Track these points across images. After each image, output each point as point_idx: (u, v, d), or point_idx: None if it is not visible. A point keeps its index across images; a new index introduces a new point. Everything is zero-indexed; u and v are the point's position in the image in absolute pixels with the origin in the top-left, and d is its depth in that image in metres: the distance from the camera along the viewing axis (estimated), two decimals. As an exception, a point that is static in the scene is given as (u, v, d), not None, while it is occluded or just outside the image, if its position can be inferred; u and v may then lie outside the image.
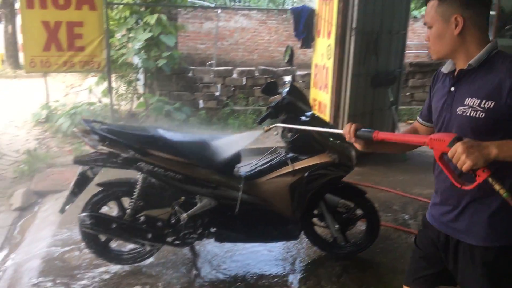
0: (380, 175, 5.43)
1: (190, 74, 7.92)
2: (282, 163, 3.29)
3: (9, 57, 13.59)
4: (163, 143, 3.10)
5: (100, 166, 3.16)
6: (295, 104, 3.20)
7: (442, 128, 1.82)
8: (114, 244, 3.48)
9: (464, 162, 1.51)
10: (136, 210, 3.17)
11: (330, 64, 5.62)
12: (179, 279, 3.30)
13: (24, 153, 6.08)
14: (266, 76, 8.33)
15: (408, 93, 9.29)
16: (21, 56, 13.99)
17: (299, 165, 3.23)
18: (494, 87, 1.64)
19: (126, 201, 3.28)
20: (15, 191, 4.92)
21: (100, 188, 3.24)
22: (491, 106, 1.64)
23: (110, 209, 3.36)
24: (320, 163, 3.19)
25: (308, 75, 7.94)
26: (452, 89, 1.78)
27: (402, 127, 6.62)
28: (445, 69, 1.85)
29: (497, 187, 1.49)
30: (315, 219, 3.57)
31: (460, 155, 1.51)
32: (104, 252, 3.32)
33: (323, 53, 5.84)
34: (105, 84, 7.55)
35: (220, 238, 3.30)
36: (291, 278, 3.33)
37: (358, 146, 1.93)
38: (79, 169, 3.20)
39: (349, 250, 3.57)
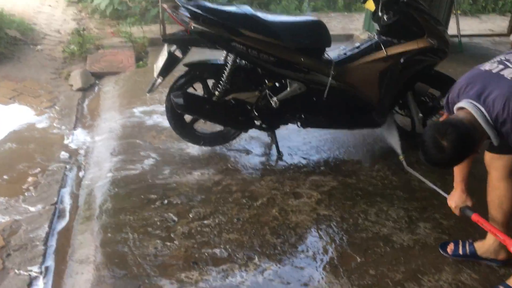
0: (438, 68, 5.29)
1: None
2: (374, 48, 3.15)
3: None
4: (257, 23, 2.94)
5: (191, 46, 3.03)
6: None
7: None
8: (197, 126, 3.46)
9: None
10: (224, 93, 3.10)
11: None
12: (263, 163, 3.34)
13: (68, 34, 5.88)
14: (310, -43, 7.77)
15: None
16: None
17: (393, 50, 3.10)
18: None
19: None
20: (71, 72, 4.82)
21: (186, 69, 3.15)
22: None
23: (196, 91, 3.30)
24: (418, 49, 3.06)
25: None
26: None
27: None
28: None
29: None
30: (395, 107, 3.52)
31: None
32: (189, 134, 3.33)
33: None
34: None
35: (306, 123, 3.28)
36: (373, 164, 3.36)
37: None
38: (165, 48, 3.08)
39: (428, 139, 3.56)
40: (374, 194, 3.01)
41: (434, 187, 2.64)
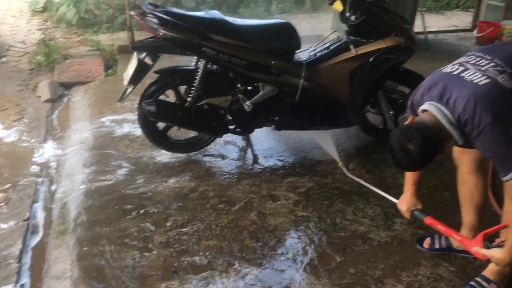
0: (407, 64, 5.39)
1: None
2: (344, 48, 3.18)
3: None
4: (226, 27, 2.93)
5: (160, 52, 3.01)
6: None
7: None
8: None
9: None
10: (196, 98, 3.08)
11: None
12: (239, 167, 3.33)
13: (34, 44, 5.75)
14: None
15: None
16: None
17: (362, 49, 3.14)
18: None
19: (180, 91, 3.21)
20: (38, 83, 4.72)
21: (157, 76, 3.11)
22: None
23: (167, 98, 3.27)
24: (386, 47, 3.10)
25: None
26: None
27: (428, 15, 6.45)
28: None
29: None
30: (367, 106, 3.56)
31: None
32: (163, 141, 3.29)
33: None
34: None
35: (280, 126, 3.28)
36: (348, 163, 3.38)
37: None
38: (134, 55, 3.04)
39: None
40: (350, 193, 3.04)
41: (382, 193, 2.66)
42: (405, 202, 2.28)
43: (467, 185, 2.30)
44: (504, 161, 1.77)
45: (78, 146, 3.59)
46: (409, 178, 2.28)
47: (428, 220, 2.20)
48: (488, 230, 2.00)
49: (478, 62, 1.92)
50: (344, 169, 3.12)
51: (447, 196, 2.95)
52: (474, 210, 2.33)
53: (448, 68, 1.98)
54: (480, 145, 1.82)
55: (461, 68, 1.92)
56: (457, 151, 2.29)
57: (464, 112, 1.79)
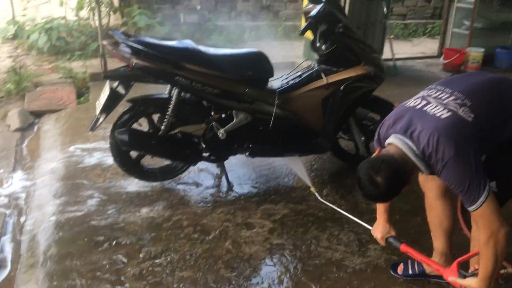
0: (376, 90, 5.51)
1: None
2: (315, 77, 3.24)
3: None
4: (199, 56, 2.96)
5: (133, 81, 3.00)
6: (334, 14, 3.10)
7: None
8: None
9: None
10: (170, 127, 3.08)
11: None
12: (213, 195, 3.32)
13: (3, 72, 5.66)
14: (248, -11, 7.98)
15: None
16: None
17: (333, 78, 3.20)
18: None
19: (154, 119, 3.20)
20: (8, 112, 4.63)
21: (130, 105, 3.10)
22: None
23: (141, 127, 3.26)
24: (356, 76, 3.17)
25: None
26: None
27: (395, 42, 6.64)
28: None
29: None
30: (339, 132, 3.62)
31: None
32: (136, 170, 3.26)
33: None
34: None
35: (254, 153, 3.29)
36: (322, 189, 3.40)
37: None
38: (107, 84, 3.03)
39: (372, 161, 3.67)
40: (324, 219, 3.05)
41: (356, 219, 2.69)
42: (379, 230, 2.31)
43: (435, 212, 2.35)
44: (469, 192, 1.81)
45: (48, 176, 3.51)
46: (381, 205, 2.31)
47: (403, 248, 2.23)
48: (461, 258, 2.04)
49: (439, 96, 1.98)
50: (317, 194, 3.14)
51: (419, 221, 2.99)
52: (443, 236, 2.37)
53: (411, 102, 2.04)
54: (445, 177, 1.87)
55: (424, 102, 1.98)
56: (422, 178, 2.34)
57: (428, 146, 1.84)
